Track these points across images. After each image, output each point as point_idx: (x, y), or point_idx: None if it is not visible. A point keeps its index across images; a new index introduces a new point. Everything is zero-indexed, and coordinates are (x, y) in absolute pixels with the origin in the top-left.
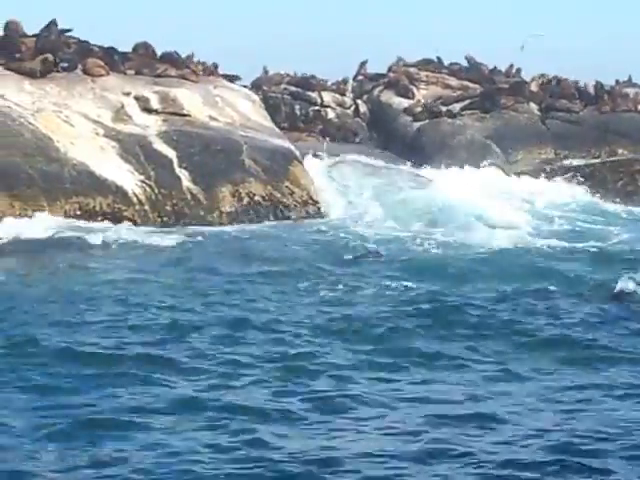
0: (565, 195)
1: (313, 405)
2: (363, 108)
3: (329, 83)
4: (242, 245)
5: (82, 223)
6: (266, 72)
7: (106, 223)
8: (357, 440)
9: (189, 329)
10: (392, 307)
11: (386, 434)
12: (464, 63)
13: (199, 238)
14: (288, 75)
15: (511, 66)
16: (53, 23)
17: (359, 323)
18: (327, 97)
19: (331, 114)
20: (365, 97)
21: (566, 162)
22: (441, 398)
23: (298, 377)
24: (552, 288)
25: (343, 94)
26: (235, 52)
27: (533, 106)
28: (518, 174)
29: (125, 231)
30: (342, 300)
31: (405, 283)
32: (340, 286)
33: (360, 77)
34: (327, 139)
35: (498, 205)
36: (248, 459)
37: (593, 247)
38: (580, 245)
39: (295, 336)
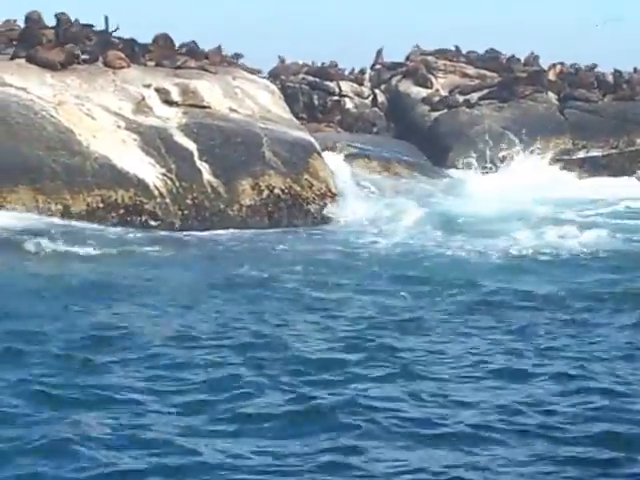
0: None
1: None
2: (381, 98)
3: (346, 73)
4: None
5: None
6: (282, 61)
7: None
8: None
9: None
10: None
11: None
12: (481, 51)
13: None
14: (306, 65)
15: (530, 54)
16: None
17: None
18: (345, 87)
19: (349, 104)
20: (383, 87)
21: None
22: None
23: None
24: None
25: (361, 84)
26: (248, 41)
27: (551, 95)
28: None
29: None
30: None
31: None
32: None
33: (378, 66)
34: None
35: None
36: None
37: None
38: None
39: None
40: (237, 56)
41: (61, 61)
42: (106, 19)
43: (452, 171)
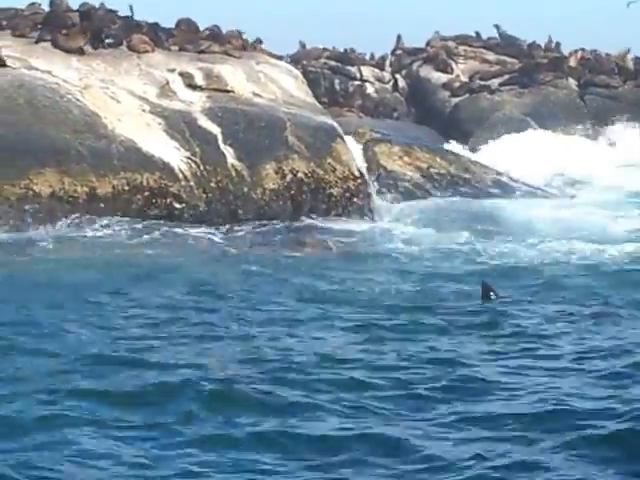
0: None
1: None
2: (402, 83)
3: (366, 58)
4: None
5: None
6: (303, 46)
7: None
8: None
9: None
10: None
11: None
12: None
13: None
14: (327, 50)
15: (550, 40)
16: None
17: None
18: (366, 72)
19: (370, 89)
20: (404, 72)
21: None
22: None
23: None
24: None
25: (382, 69)
26: (269, 25)
27: (572, 81)
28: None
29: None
30: None
31: None
32: None
33: (399, 51)
34: None
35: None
36: None
37: None
38: None
39: None
40: (257, 41)
41: (82, 47)
42: (131, 8)
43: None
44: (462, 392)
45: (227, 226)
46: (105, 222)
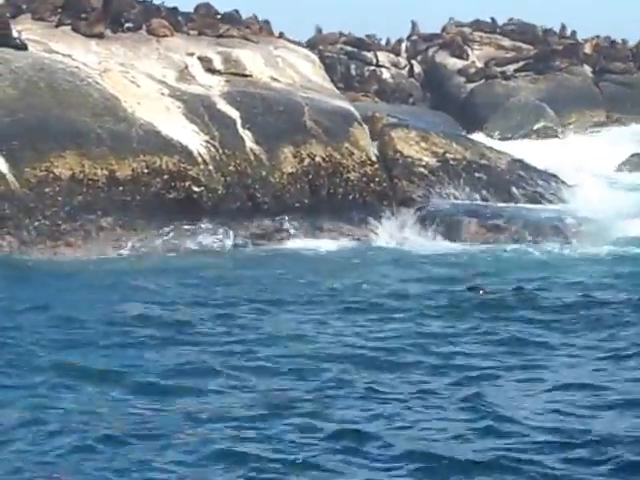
0: None
1: None
2: (417, 69)
3: (382, 43)
4: None
5: None
6: (319, 31)
7: None
8: None
9: None
10: None
11: None
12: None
13: None
14: (343, 35)
15: (564, 27)
16: None
17: None
18: (382, 57)
19: (386, 74)
20: (419, 57)
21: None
22: None
23: None
24: None
25: (398, 54)
26: (283, 10)
27: (587, 68)
28: None
29: None
30: None
31: None
32: None
33: (414, 37)
34: None
35: None
36: None
37: None
38: None
39: None
40: (265, 22)
41: (102, 32)
42: None
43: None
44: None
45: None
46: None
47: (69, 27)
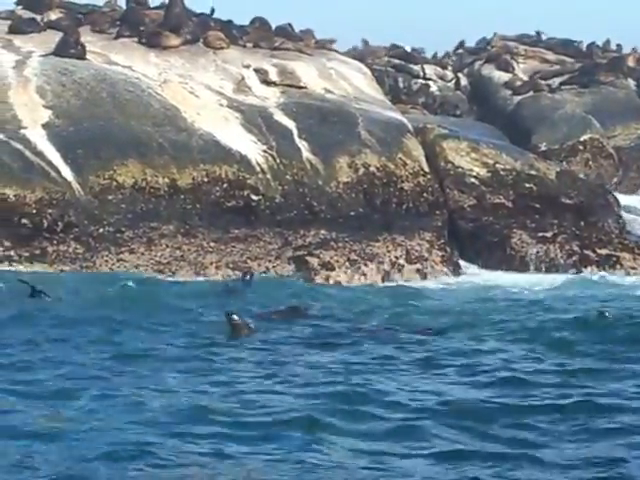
0: None
1: None
2: (464, 81)
3: (429, 57)
4: None
5: None
6: (365, 43)
7: None
8: None
9: None
10: None
11: None
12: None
13: None
14: (393, 48)
15: (608, 42)
16: None
17: None
18: (429, 70)
19: (433, 87)
20: (465, 70)
21: None
22: None
23: None
24: None
25: (445, 67)
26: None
27: (631, 82)
28: None
29: None
30: None
31: None
32: None
33: (460, 50)
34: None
35: None
36: None
37: None
38: None
39: None
40: (330, 41)
41: (177, 45)
42: (212, 10)
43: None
44: None
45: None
46: None
47: (129, 39)
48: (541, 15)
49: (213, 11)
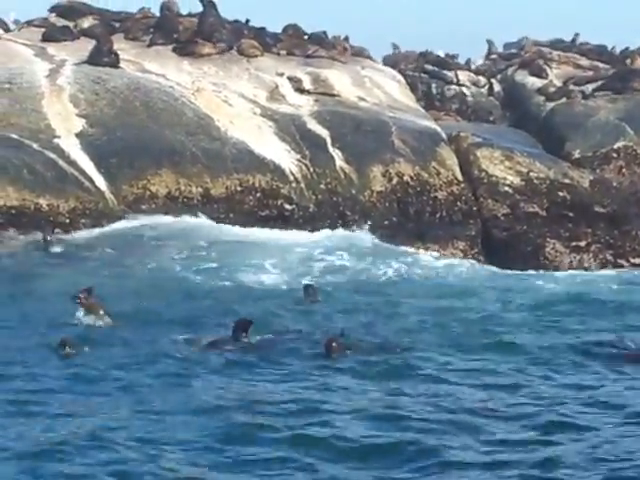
0: None
1: None
2: (497, 87)
3: (462, 62)
4: None
5: None
6: (395, 48)
7: None
8: None
9: None
10: None
11: None
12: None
13: None
14: (424, 54)
15: None
16: (211, 5)
17: None
18: (462, 76)
19: (466, 93)
20: (499, 76)
21: None
22: None
23: None
24: None
25: (478, 73)
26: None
27: None
28: None
29: None
30: None
31: None
32: None
33: (493, 56)
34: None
35: None
36: None
37: None
38: None
39: None
40: (363, 50)
41: (211, 53)
42: (247, 21)
43: None
44: None
45: None
46: None
47: (162, 46)
48: (575, 20)
49: (248, 20)
